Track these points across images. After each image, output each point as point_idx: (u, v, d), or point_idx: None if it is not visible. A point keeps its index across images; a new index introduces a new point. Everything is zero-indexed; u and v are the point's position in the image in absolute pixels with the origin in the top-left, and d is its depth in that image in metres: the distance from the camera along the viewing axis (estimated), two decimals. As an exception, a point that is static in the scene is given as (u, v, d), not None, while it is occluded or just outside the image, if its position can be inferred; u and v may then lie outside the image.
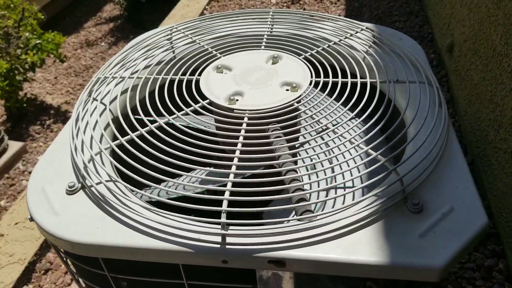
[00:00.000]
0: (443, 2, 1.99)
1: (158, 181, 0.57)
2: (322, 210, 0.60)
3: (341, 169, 0.60)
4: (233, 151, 0.61)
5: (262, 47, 0.84)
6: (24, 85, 2.10)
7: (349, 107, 0.68)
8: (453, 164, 0.60)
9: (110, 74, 0.80)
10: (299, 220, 0.53)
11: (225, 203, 0.53)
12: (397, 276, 0.49)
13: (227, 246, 0.51)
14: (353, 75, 0.76)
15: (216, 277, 0.59)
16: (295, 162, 0.62)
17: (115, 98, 0.77)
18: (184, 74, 0.79)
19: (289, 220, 0.53)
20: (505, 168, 1.20)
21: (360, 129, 0.63)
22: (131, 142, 0.64)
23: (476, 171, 1.42)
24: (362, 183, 0.56)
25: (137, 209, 0.56)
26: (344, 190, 0.66)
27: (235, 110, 0.67)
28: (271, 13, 0.95)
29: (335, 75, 0.74)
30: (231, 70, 0.76)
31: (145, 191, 0.58)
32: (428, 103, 0.67)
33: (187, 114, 0.68)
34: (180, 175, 0.58)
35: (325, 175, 0.64)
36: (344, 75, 0.75)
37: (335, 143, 0.61)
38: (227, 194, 0.54)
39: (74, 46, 2.75)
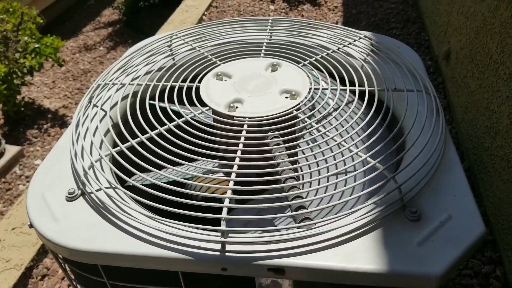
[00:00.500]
0: (439, 10, 2.01)
1: (160, 188, 0.57)
2: (321, 218, 0.60)
3: (339, 177, 0.60)
4: (233, 159, 0.61)
5: (262, 55, 0.85)
6: (22, 89, 2.10)
7: (347, 115, 0.69)
8: (450, 172, 0.60)
9: (111, 81, 0.81)
10: (298, 227, 0.53)
11: (224, 210, 0.54)
12: (396, 284, 0.50)
13: (226, 254, 0.51)
14: (352, 83, 0.77)
15: (216, 284, 0.59)
16: (295, 170, 0.63)
17: (116, 104, 0.77)
18: (184, 81, 0.79)
19: (288, 228, 0.53)
20: (501, 175, 1.21)
21: (359, 136, 0.64)
22: (131, 148, 0.64)
23: (472, 178, 1.43)
24: (361, 191, 0.56)
25: (137, 216, 0.56)
26: (343, 197, 0.67)
27: (235, 118, 0.68)
28: (270, 21, 0.96)
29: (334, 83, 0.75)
30: (230, 77, 0.77)
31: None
32: (426, 111, 0.68)
33: (187, 121, 0.69)
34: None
35: (327, 181, 0.65)
36: (343, 83, 0.76)
37: (333, 151, 0.62)
38: (226, 201, 0.54)
39: (72, 50, 2.75)
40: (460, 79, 1.64)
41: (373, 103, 0.70)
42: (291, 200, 0.56)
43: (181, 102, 0.74)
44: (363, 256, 0.50)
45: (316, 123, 0.69)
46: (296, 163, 0.70)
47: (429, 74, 1.98)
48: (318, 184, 0.65)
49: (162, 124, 0.68)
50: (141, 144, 0.65)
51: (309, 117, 0.69)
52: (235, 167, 0.59)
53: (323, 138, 0.64)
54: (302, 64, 0.82)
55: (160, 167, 0.61)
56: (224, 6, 2.92)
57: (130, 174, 0.61)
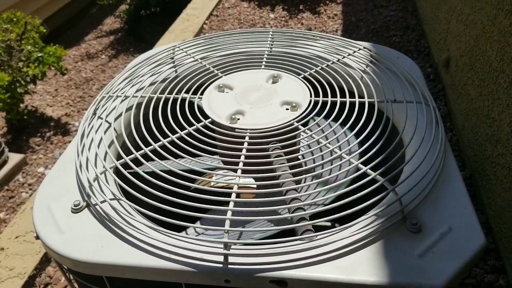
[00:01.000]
0: (438, 17, 2.03)
1: (164, 201, 0.58)
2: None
3: (339, 189, 0.61)
4: (235, 170, 0.62)
5: (262, 67, 0.86)
6: (25, 98, 2.12)
7: (348, 126, 0.70)
8: (450, 184, 0.61)
9: (115, 93, 0.82)
10: (300, 239, 0.54)
11: (227, 222, 0.54)
12: (397, 296, 0.50)
13: (229, 266, 0.52)
14: (352, 94, 0.78)
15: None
16: (296, 182, 0.64)
17: (120, 115, 0.78)
18: (186, 92, 0.81)
19: (290, 240, 0.54)
20: (503, 183, 1.22)
21: (359, 148, 0.65)
22: (135, 160, 0.65)
23: (474, 186, 1.43)
24: (361, 203, 0.57)
25: (142, 228, 0.57)
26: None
27: (236, 129, 0.69)
28: (270, 33, 0.97)
29: (333, 95, 0.76)
30: (232, 89, 0.78)
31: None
32: (425, 123, 0.69)
33: (189, 133, 0.70)
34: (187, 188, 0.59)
35: (327, 194, 0.65)
36: (343, 95, 0.77)
37: (333, 164, 0.63)
38: (229, 214, 0.55)
39: (75, 59, 2.77)
40: (460, 87, 1.65)
41: (373, 115, 0.71)
42: (293, 212, 0.57)
43: (183, 114, 0.75)
44: (364, 268, 0.51)
45: (316, 135, 0.70)
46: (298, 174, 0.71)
47: (429, 81, 1.99)
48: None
49: (165, 136, 0.69)
50: (145, 156, 0.66)
51: (310, 129, 0.69)
52: (237, 179, 0.60)
53: (323, 151, 0.65)
54: (302, 75, 0.83)
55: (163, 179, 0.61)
56: (225, 15, 2.94)
57: (134, 187, 0.61)
